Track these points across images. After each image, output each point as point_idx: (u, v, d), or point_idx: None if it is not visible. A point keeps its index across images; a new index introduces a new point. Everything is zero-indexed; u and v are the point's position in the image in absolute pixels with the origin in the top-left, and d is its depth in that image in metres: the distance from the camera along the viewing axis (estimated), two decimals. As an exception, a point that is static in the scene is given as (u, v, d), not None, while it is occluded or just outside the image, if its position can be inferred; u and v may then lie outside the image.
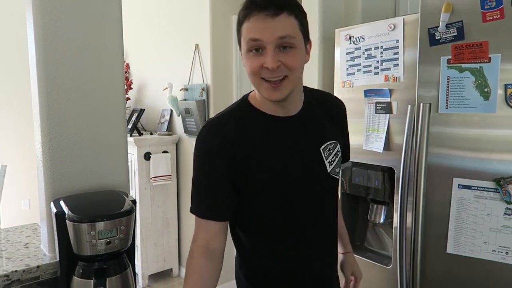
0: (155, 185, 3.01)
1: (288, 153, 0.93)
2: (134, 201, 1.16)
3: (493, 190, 1.26)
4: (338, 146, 1.02)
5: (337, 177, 1.02)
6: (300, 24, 0.87)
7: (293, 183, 0.93)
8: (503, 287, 1.27)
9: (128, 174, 1.38)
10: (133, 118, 3.22)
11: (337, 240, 1.07)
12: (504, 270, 1.26)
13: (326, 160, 0.98)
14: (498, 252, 1.26)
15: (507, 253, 1.25)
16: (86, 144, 1.27)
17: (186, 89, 3.06)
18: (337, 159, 1.01)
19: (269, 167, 0.91)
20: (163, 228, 3.08)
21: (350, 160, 1.20)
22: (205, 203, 0.94)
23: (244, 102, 0.98)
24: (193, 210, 0.96)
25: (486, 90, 1.26)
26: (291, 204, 0.93)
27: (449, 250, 1.36)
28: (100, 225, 1.04)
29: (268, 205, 0.93)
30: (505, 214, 1.24)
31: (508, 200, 1.23)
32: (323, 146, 0.98)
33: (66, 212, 1.07)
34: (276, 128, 0.94)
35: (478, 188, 1.29)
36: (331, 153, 0.99)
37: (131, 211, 1.10)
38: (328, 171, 0.98)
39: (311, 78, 2.07)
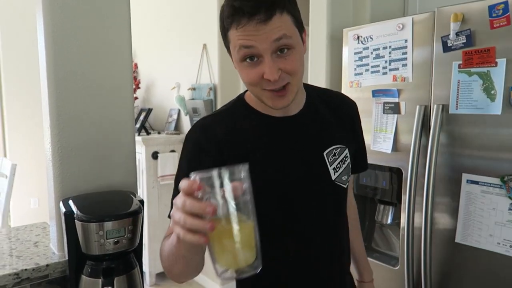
0: (163, 184, 3.03)
1: (287, 153, 0.88)
2: (141, 201, 1.17)
3: (499, 186, 1.30)
4: (347, 151, 0.94)
5: (345, 186, 0.94)
6: (294, 18, 0.78)
7: (293, 183, 0.88)
8: (507, 278, 1.31)
9: (136, 174, 1.39)
10: (141, 118, 3.25)
11: (344, 244, 1.00)
12: (507, 262, 1.29)
13: (331, 166, 0.90)
14: (503, 245, 1.30)
15: (511, 246, 1.28)
16: (95, 144, 1.28)
17: (194, 89, 3.07)
18: (344, 166, 0.93)
19: (267, 167, 0.87)
20: (171, 227, 3.09)
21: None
22: None
23: (240, 101, 0.93)
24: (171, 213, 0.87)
25: (492, 92, 1.31)
26: (290, 204, 0.89)
27: (458, 239, 1.42)
28: (108, 224, 1.05)
29: (267, 205, 0.86)
30: (509, 209, 1.28)
31: (511, 196, 1.27)
32: (327, 151, 0.90)
33: (75, 212, 1.08)
34: (274, 128, 0.89)
35: (485, 184, 1.34)
36: (337, 158, 0.92)
37: (138, 211, 1.11)
38: (333, 178, 0.91)
39: (318, 77, 2.07)
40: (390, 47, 1.62)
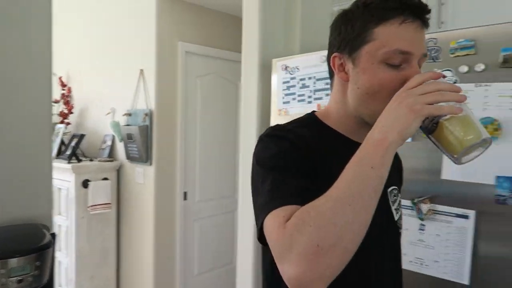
0: (93, 214, 2.88)
1: None
2: (53, 235, 1.10)
3: (410, 208, 1.40)
4: (400, 196, 0.87)
5: (401, 231, 0.85)
6: None
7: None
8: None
9: (52, 206, 1.31)
10: (73, 144, 3.09)
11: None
12: (420, 278, 1.39)
13: (393, 206, 0.82)
14: (415, 263, 1.39)
15: (421, 264, 1.38)
16: (7, 174, 1.20)
17: (130, 114, 3.00)
18: (401, 210, 0.86)
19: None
20: (101, 259, 2.93)
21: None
22: (291, 190, 0.68)
23: (311, 118, 0.86)
24: (271, 205, 0.67)
25: None
26: None
27: None
28: (13, 262, 0.97)
29: None
30: (419, 229, 1.39)
31: (421, 217, 1.37)
32: (390, 188, 0.82)
33: (-26, 249, 0.99)
34: (349, 150, 0.70)
35: None
36: (396, 199, 0.84)
37: (48, 246, 1.04)
38: (395, 219, 0.83)
39: (250, 105, 2.11)
40: (314, 77, 1.70)
